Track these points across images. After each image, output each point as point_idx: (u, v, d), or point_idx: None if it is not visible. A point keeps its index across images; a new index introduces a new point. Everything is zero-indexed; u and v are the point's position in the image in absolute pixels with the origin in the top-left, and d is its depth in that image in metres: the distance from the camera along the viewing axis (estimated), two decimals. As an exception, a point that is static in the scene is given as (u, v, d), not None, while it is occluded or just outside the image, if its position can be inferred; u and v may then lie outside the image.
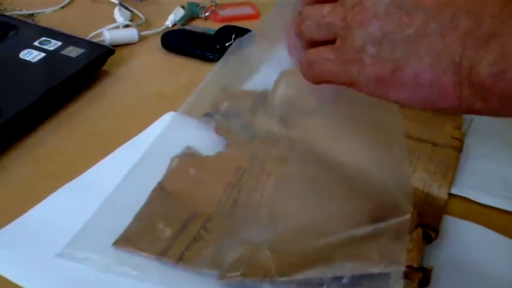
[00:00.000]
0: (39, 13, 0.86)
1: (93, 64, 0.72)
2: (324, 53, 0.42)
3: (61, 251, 0.50)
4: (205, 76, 0.67)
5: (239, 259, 0.48)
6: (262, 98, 0.65)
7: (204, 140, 0.62)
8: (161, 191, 0.56)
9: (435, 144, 0.61)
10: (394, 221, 0.48)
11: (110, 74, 0.74)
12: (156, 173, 0.57)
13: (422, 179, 0.57)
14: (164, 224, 0.52)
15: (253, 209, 0.52)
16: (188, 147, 0.60)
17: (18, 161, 0.60)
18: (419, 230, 0.49)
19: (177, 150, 0.60)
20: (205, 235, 0.51)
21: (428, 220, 0.53)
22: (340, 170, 0.52)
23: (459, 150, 0.61)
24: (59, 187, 0.56)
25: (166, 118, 0.65)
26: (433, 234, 0.52)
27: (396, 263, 0.46)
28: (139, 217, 0.53)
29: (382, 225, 0.48)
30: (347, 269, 0.46)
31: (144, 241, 0.51)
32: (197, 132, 0.62)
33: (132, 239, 0.51)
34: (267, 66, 0.70)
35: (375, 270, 0.46)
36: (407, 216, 0.48)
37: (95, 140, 0.63)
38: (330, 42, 0.42)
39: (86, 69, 0.70)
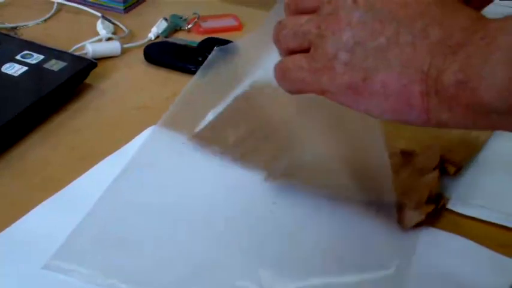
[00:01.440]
0: (22, 26, 0.86)
1: (76, 77, 0.72)
2: (298, 61, 0.42)
3: (47, 262, 0.50)
4: (183, 88, 0.67)
5: (283, 168, 0.58)
6: None
7: (183, 151, 0.62)
8: (238, 103, 0.64)
9: None
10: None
11: (93, 87, 0.74)
12: (137, 184, 0.58)
13: None
14: (232, 131, 0.63)
15: (299, 135, 0.58)
16: (254, 81, 0.66)
17: (3, 174, 0.60)
18: (437, 172, 0.55)
19: (156, 162, 0.61)
20: (261, 147, 0.61)
21: (456, 157, 0.58)
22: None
23: None
24: (44, 199, 0.56)
25: (149, 132, 0.65)
26: (451, 170, 0.56)
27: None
28: (219, 117, 0.63)
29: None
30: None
31: (214, 140, 0.62)
32: (176, 145, 0.62)
33: (204, 137, 0.62)
34: (250, 78, 0.70)
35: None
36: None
37: (80, 152, 0.63)
38: (307, 51, 0.42)
39: (69, 82, 0.71)
